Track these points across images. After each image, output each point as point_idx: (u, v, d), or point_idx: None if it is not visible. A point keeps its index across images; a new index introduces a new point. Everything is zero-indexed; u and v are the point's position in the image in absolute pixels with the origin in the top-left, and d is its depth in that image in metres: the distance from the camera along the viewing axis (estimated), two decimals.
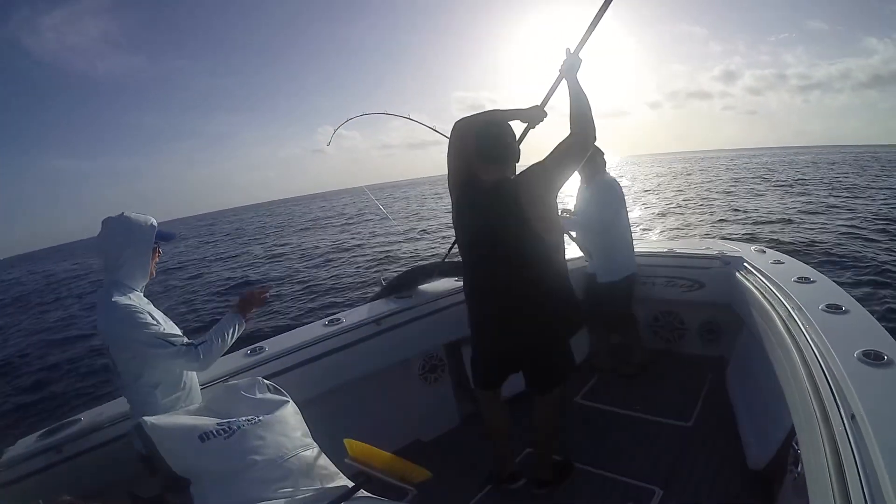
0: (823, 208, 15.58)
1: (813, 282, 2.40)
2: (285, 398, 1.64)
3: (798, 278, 2.40)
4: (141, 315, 1.63)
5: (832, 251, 9.57)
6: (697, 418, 2.90)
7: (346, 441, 1.46)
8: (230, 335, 1.77)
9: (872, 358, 1.57)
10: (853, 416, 1.33)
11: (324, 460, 1.48)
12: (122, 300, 1.64)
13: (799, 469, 1.83)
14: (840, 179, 26.00)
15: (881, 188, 20.67)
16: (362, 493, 1.38)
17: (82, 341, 10.42)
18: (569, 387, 3.34)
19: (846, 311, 2.02)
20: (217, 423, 1.44)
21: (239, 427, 1.44)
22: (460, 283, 3.13)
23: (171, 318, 1.82)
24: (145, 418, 1.48)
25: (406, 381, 3.01)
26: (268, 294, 1.94)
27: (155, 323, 1.65)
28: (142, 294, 1.78)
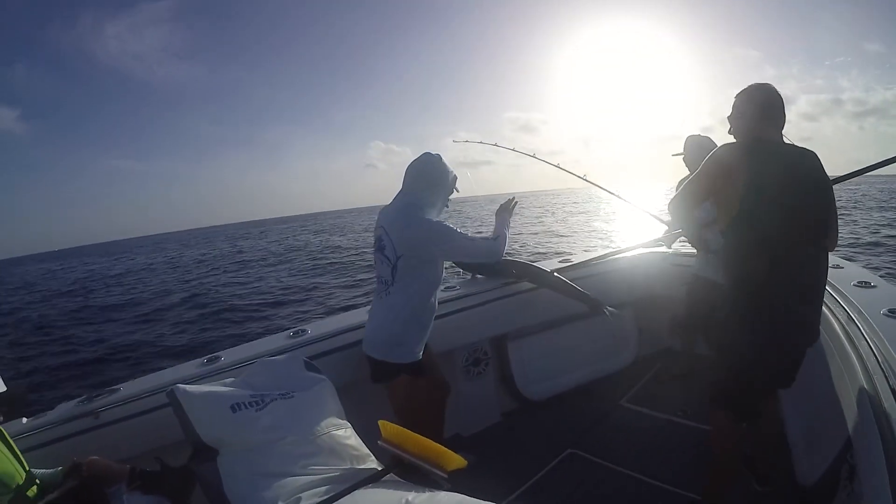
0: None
1: (874, 286, 2.27)
2: (322, 377, 1.59)
3: (858, 282, 2.27)
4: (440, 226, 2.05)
5: None
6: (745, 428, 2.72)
7: (380, 422, 1.39)
8: (508, 227, 2.28)
9: None
10: None
11: (356, 441, 1.42)
12: (422, 211, 2.05)
13: (854, 485, 1.73)
14: None
15: None
16: (392, 476, 1.30)
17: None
18: (616, 389, 3.30)
19: None
20: (251, 395, 1.40)
21: (273, 400, 1.39)
22: (511, 276, 3.03)
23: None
24: (179, 385, 1.46)
25: (449, 373, 2.89)
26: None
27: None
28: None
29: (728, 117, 1.86)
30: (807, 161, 1.73)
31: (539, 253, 15.39)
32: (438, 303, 2.60)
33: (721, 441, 1.94)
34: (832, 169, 1.98)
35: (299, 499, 1.23)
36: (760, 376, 1.76)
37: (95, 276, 27.31)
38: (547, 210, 42.35)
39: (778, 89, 1.81)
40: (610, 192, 3.87)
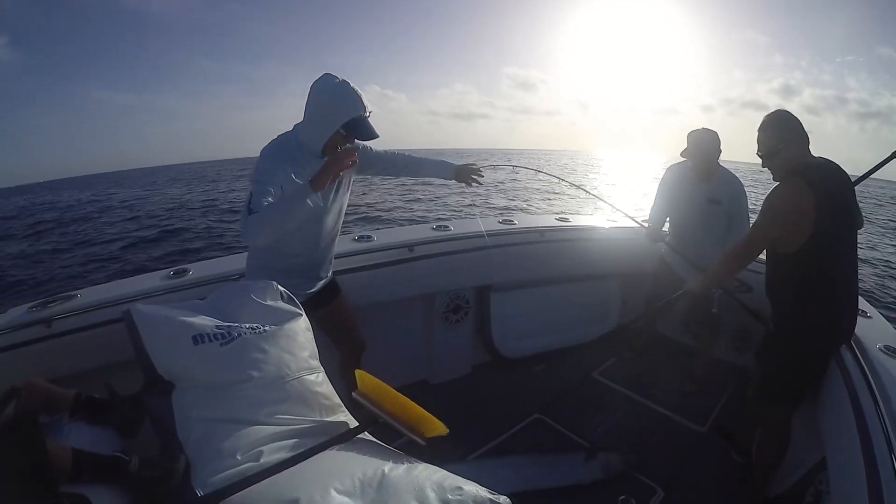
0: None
1: (869, 317, 2.23)
2: (299, 311, 1.41)
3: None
4: (264, 170, 1.63)
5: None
6: (713, 425, 2.70)
7: (358, 372, 1.24)
8: (284, 206, 1.55)
9: None
10: None
11: (328, 389, 1.27)
12: (280, 148, 1.71)
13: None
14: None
15: None
16: (366, 436, 1.16)
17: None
18: (590, 359, 3.24)
19: None
20: (216, 326, 1.22)
21: (240, 334, 1.21)
22: (503, 226, 2.94)
23: None
24: (136, 305, 1.27)
25: (427, 317, 2.84)
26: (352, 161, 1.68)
27: (268, 182, 1.59)
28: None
29: (763, 151, 1.88)
30: (841, 173, 1.83)
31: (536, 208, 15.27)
32: (430, 242, 2.40)
33: (774, 439, 2.00)
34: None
35: (260, 452, 1.09)
36: (818, 360, 1.91)
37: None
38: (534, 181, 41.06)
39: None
40: (589, 193, 3.84)
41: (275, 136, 1.77)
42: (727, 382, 3.03)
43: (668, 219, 2.98)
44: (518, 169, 3.66)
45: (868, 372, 1.76)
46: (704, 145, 2.68)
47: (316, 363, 1.31)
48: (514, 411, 2.63)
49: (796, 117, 1.84)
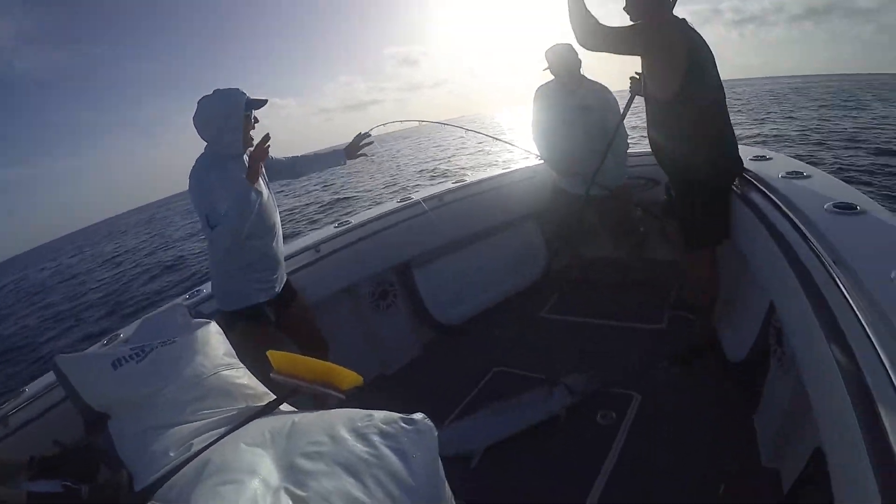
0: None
1: (808, 177, 2.25)
2: (207, 320, 1.52)
3: (787, 173, 2.23)
4: (204, 186, 1.84)
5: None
6: (670, 321, 2.81)
7: (268, 353, 1.33)
8: (236, 207, 1.80)
9: (843, 208, 1.56)
10: (834, 262, 1.27)
11: (250, 380, 1.36)
12: (204, 166, 1.88)
13: (784, 347, 1.79)
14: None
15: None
16: (286, 407, 1.25)
17: None
18: (533, 302, 3.32)
19: (808, 177, 2.00)
20: (131, 348, 1.32)
21: (152, 349, 1.31)
22: (402, 203, 3.00)
23: None
24: (59, 355, 1.37)
25: (356, 311, 2.84)
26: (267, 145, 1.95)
27: (214, 194, 1.81)
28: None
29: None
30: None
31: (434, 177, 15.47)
32: (335, 237, 2.50)
33: (711, 273, 2.31)
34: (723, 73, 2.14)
35: (191, 445, 1.18)
36: (725, 203, 2.19)
37: None
38: (434, 142, 39.66)
39: None
40: (490, 137, 3.81)
41: (191, 163, 1.95)
42: (673, 278, 3.12)
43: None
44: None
45: (771, 195, 1.88)
46: (565, 57, 2.84)
47: (233, 360, 1.40)
48: (474, 372, 2.67)
49: None
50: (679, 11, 2.04)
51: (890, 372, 0.90)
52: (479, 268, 3.36)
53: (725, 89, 2.08)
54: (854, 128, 15.70)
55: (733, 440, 1.97)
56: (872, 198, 1.69)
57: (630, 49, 2.01)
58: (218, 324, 2.08)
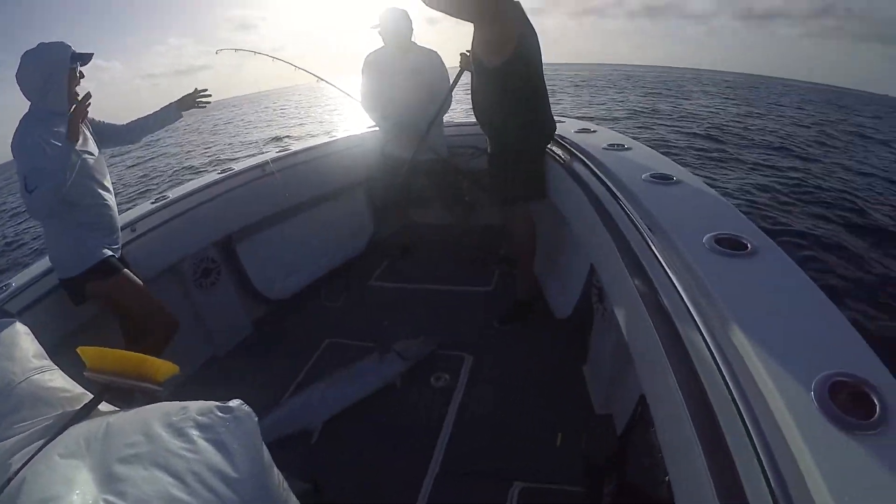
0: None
1: (628, 148, 2.31)
2: (10, 320, 1.39)
3: (610, 145, 2.34)
4: (25, 147, 1.77)
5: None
6: (497, 283, 2.97)
7: (79, 350, 1.25)
8: (55, 165, 1.74)
9: (659, 178, 1.69)
10: (649, 228, 1.38)
11: (65, 382, 1.28)
12: (28, 125, 1.81)
13: (605, 304, 1.91)
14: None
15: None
16: (104, 406, 1.22)
17: None
18: (363, 270, 3.38)
19: (628, 149, 2.17)
20: None
21: None
22: (222, 175, 2.88)
23: None
24: None
25: (181, 293, 2.70)
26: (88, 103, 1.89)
27: (34, 155, 1.75)
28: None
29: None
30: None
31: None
32: (150, 215, 2.43)
33: (526, 226, 2.55)
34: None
35: (9, 465, 1.10)
36: (537, 164, 2.47)
37: None
38: (275, 110, 38.74)
39: None
40: (342, 91, 3.56)
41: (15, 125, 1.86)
42: (499, 242, 3.31)
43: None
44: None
45: (592, 165, 2.04)
46: (399, 23, 2.91)
47: (45, 361, 1.31)
48: (306, 346, 2.67)
49: None
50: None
51: (701, 326, 0.99)
52: (307, 238, 3.32)
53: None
54: (679, 114, 18.14)
55: (566, 391, 2.09)
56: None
57: (467, 13, 2.11)
58: (69, 295, 2.00)
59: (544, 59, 2.29)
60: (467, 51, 2.42)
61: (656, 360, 1.08)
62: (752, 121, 17.42)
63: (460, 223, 3.48)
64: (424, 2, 2.06)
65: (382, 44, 3.02)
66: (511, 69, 2.19)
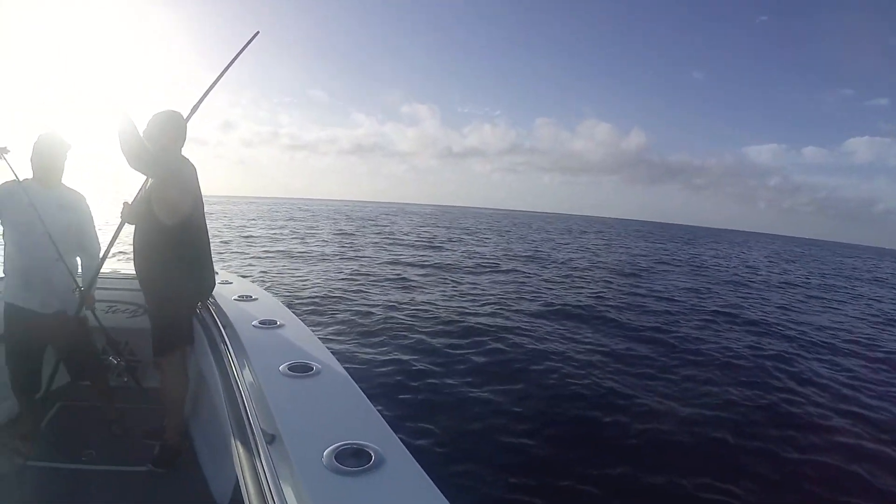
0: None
1: (255, 299, 2.54)
2: None
3: (239, 297, 2.52)
4: None
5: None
6: (151, 451, 2.47)
7: None
8: None
9: (266, 324, 1.95)
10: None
11: None
12: None
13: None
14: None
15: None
16: None
17: None
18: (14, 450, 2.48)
19: (255, 300, 2.42)
20: None
21: None
22: None
23: None
24: None
25: None
26: None
27: None
28: None
29: (146, 133, 2.25)
30: (195, 172, 2.41)
31: None
32: None
33: (177, 378, 2.48)
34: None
35: None
36: (187, 321, 2.47)
37: None
38: None
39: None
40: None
41: None
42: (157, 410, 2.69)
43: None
44: None
45: (216, 315, 2.27)
46: (56, 148, 2.45)
47: None
48: None
49: (185, 124, 2.39)
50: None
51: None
52: None
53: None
54: (370, 237, 21.39)
55: None
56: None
57: (154, 173, 2.25)
58: None
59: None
60: (126, 202, 2.41)
61: None
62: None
63: (103, 394, 2.81)
64: (137, 168, 2.16)
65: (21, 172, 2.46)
66: (187, 227, 2.34)
